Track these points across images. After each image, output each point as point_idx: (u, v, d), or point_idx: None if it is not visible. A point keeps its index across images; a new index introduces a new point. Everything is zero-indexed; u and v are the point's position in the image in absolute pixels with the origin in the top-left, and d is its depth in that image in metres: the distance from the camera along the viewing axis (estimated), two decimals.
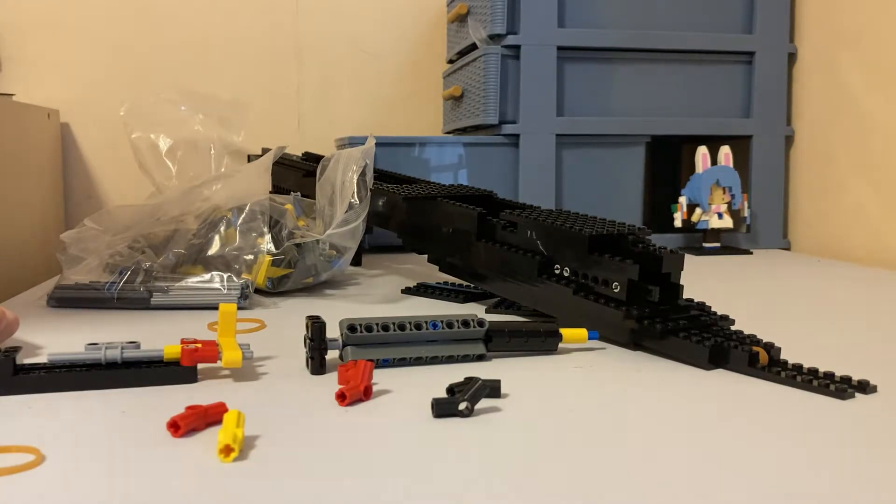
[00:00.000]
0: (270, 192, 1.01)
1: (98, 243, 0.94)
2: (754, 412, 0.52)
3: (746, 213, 1.43)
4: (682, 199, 1.42)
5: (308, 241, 0.94)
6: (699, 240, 1.43)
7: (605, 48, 1.41)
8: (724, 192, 1.41)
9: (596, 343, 0.71)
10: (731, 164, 1.42)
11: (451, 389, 0.54)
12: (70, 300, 0.89)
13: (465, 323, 0.64)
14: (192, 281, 0.89)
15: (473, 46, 1.45)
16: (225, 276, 0.89)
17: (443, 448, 0.45)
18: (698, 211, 1.40)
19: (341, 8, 1.71)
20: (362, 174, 0.92)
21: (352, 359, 0.61)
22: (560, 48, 1.39)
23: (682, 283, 0.71)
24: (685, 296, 0.73)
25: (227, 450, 0.43)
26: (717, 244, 1.41)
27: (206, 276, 0.89)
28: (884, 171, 1.28)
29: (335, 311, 0.85)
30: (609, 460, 0.44)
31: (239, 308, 0.83)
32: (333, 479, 0.41)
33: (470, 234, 0.86)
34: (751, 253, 1.40)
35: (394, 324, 0.62)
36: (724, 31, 1.45)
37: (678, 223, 1.41)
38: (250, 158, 1.33)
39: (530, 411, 0.52)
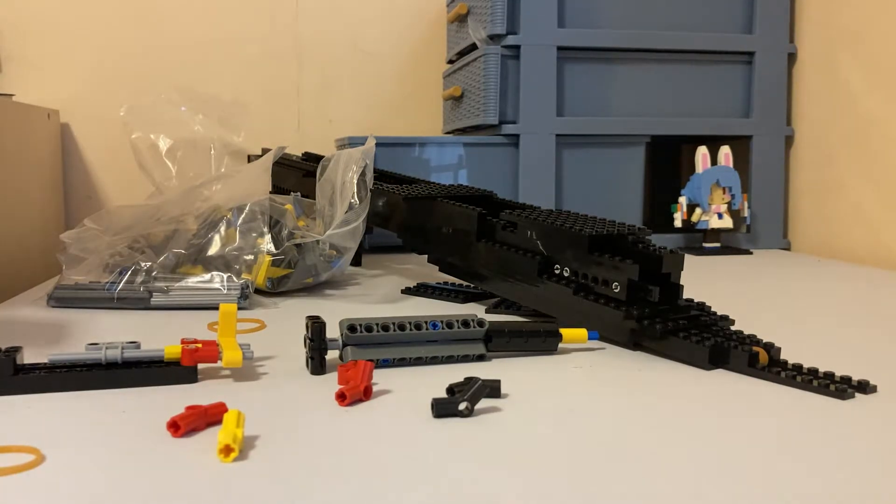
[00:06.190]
0: (270, 192, 1.01)
1: (98, 243, 0.94)
2: (754, 412, 0.52)
3: (746, 213, 1.43)
4: (682, 199, 1.42)
5: (308, 241, 0.94)
6: (699, 240, 1.43)
7: (605, 48, 1.41)
8: (724, 192, 1.41)
9: (596, 343, 0.71)
10: (731, 164, 1.42)
11: (451, 389, 0.54)
12: (70, 300, 0.89)
13: (465, 323, 0.64)
14: (192, 281, 0.89)
15: (473, 46, 1.45)
16: (225, 276, 0.89)
17: (443, 448, 0.45)
18: (698, 211, 1.40)
19: (341, 8, 1.71)
20: (362, 174, 0.92)
21: (352, 359, 0.61)
22: (560, 48, 1.39)
23: (682, 283, 0.71)
24: (685, 296, 0.73)
25: (227, 450, 0.43)
26: (717, 244, 1.41)
27: (206, 276, 0.89)
28: (884, 171, 1.28)
29: (335, 311, 0.85)
30: (609, 460, 0.44)
31: (239, 308, 0.83)
32: (333, 479, 0.41)
33: (470, 234, 0.86)
34: (751, 253, 1.40)
35: (394, 324, 0.62)
36: (724, 31, 1.45)
37: (678, 223, 1.41)
38: (250, 158, 1.33)
39: (530, 411, 0.52)
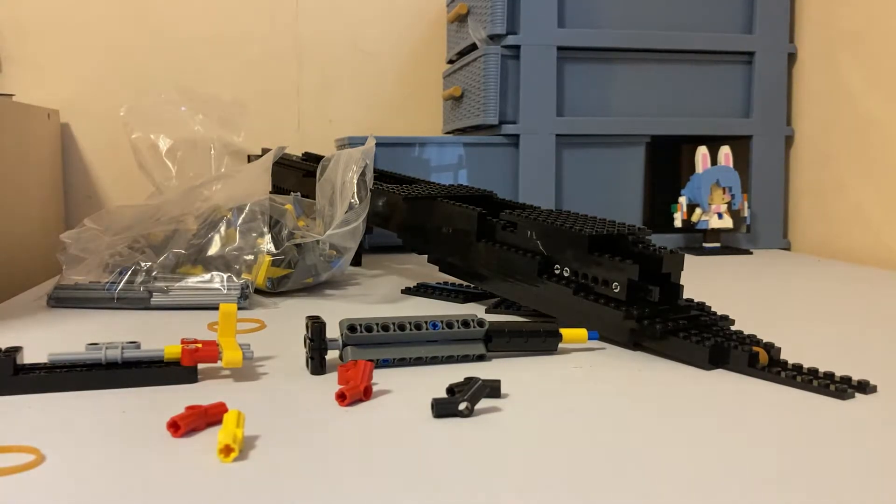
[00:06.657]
0: (270, 192, 1.01)
1: (98, 243, 0.94)
2: (754, 412, 0.52)
3: (746, 213, 1.43)
4: (682, 199, 1.42)
5: (308, 241, 0.94)
6: (699, 240, 1.43)
7: (605, 48, 1.41)
8: (724, 192, 1.41)
9: (596, 343, 0.71)
10: (731, 164, 1.42)
11: (451, 389, 0.54)
12: (70, 300, 0.89)
13: (465, 323, 0.64)
14: (192, 281, 0.89)
15: (473, 46, 1.45)
16: (225, 276, 0.89)
17: (443, 448, 0.45)
18: (698, 211, 1.40)
19: (341, 8, 1.71)
20: (362, 174, 0.92)
21: (352, 359, 0.61)
22: (560, 48, 1.39)
23: (682, 283, 0.71)
24: (685, 296, 0.73)
25: (227, 450, 0.43)
26: (717, 244, 1.41)
27: (206, 276, 0.89)
28: (884, 171, 1.28)
29: (335, 311, 0.85)
30: (609, 460, 0.44)
31: (239, 308, 0.83)
32: (333, 479, 0.41)
33: (470, 234, 0.86)
34: (751, 253, 1.40)
35: (394, 324, 0.62)
36: (724, 31, 1.45)
37: (678, 223, 1.41)
38: (250, 158, 1.33)
39: (530, 411, 0.52)
